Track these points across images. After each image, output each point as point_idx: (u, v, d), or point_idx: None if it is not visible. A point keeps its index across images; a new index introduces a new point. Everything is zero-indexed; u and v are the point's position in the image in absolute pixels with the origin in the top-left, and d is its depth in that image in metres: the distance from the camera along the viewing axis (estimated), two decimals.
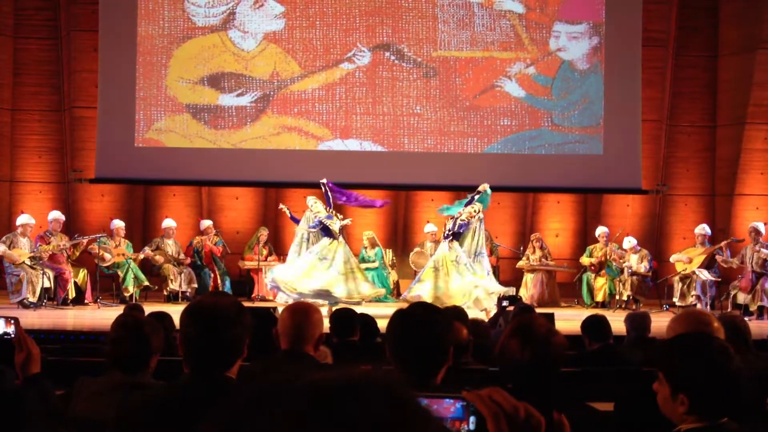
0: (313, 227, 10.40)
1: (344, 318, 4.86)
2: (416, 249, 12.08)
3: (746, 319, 5.53)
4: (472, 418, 1.30)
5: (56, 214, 11.14)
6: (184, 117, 11.99)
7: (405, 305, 2.52)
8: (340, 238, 10.22)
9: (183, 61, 11.98)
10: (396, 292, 12.24)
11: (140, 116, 11.94)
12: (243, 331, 2.17)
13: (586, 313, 6.89)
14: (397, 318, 2.41)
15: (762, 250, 10.67)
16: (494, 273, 10.79)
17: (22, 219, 10.84)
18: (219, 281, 11.67)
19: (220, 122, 11.98)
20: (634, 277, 11.22)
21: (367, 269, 11.83)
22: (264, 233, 11.99)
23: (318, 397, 0.83)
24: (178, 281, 11.29)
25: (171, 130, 11.96)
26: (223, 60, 12.01)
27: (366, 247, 12.03)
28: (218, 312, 2.17)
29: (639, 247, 11.55)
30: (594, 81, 12.06)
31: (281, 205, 11.24)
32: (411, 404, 0.86)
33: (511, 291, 9.88)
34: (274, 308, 7.99)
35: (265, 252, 11.82)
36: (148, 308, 5.81)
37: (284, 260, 11.25)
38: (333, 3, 11.97)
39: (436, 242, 12.08)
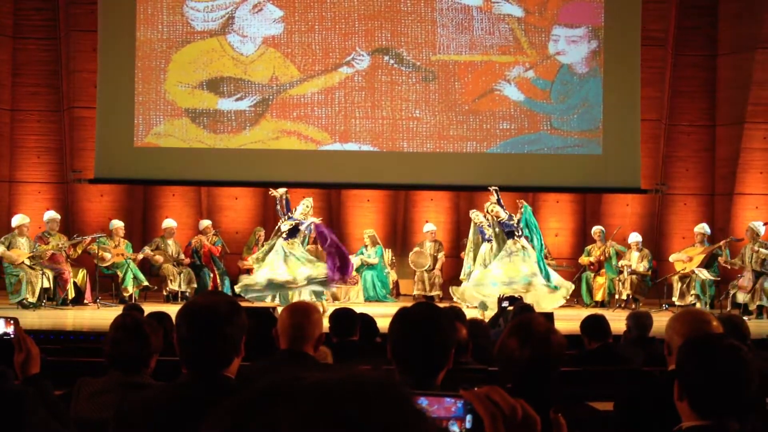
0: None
1: (344, 318, 4.86)
2: (416, 249, 12.08)
3: (745, 318, 5.54)
4: (468, 417, 1.30)
5: (52, 214, 11.13)
6: (183, 121, 11.97)
7: (408, 304, 2.52)
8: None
9: (182, 65, 11.95)
10: (395, 291, 12.24)
11: (139, 120, 11.93)
12: (238, 330, 2.16)
13: (586, 312, 6.90)
14: (398, 317, 2.40)
15: (761, 249, 10.67)
16: None
17: (16, 220, 10.84)
18: (218, 281, 11.67)
19: (219, 126, 11.97)
20: (634, 276, 11.23)
21: (375, 267, 11.86)
22: (261, 233, 11.99)
23: (316, 397, 0.83)
24: (177, 281, 11.29)
25: (170, 134, 11.95)
26: (222, 64, 11.99)
27: (366, 246, 12.03)
28: (211, 311, 2.17)
29: (642, 246, 11.57)
30: (593, 85, 12.04)
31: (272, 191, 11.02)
32: (409, 404, 0.86)
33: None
34: (274, 308, 8.01)
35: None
36: (148, 308, 5.81)
37: None
38: (332, 7, 11.95)
39: (436, 241, 12.10)
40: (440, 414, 1.36)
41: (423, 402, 1.37)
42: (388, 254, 12.27)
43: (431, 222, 12.37)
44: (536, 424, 1.26)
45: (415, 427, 0.85)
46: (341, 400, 0.82)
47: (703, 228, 11.52)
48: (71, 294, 10.72)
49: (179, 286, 11.27)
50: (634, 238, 11.59)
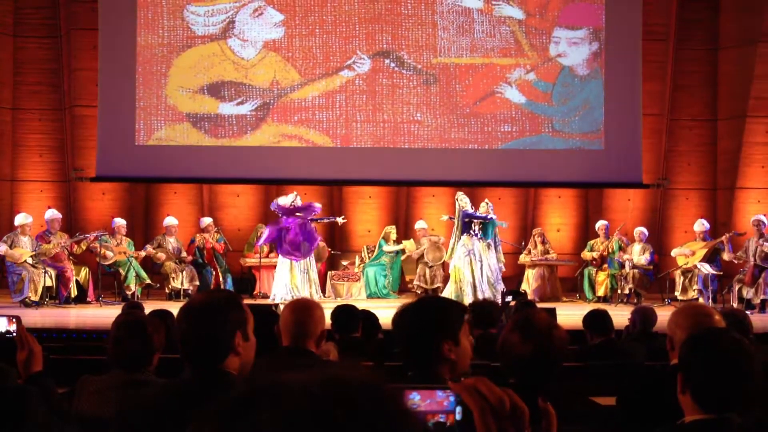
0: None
1: (346, 314, 4.86)
2: (431, 242, 11.99)
3: (749, 312, 5.53)
4: (458, 409, 1.30)
5: (53, 213, 11.13)
6: (185, 126, 11.96)
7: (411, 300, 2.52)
8: None
9: (183, 70, 11.93)
10: (400, 286, 12.26)
11: (140, 125, 11.91)
12: (231, 324, 2.16)
13: (588, 307, 6.90)
14: (398, 312, 2.42)
15: (765, 243, 10.65)
16: None
17: (19, 219, 10.84)
18: (221, 279, 11.68)
19: (220, 131, 11.95)
20: (636, 271, 11.24)
21: (380, 263, 11.88)
22: (262, 230, 11.98)
23: (301, 399, 0.82)
24: (179, 279, 11.30)
25: (171, 139, 11.93)
26: (223, 69, 11.97)
27: (387, 240, 12.05)
28: (206, 305, 2.19)
29: (645, 237, 11.56)
30: (594, 87, 12.01)
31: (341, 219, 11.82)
32: (394, 403, 0.86)
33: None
34: (276, 305, 8.01)
35: (266, 249, 11.83)
36: (151, 306, 5.82)
37: None
38: (332, 11, 11.92)
39: (431, 236, 12.14)
40: (432, 408, 1.36)
41: (415, 396, 1.37)
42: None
43: (423, 220, 12.39)
44: (524, 414, 1.25)
45: (402, 427, 0.84)
46: (326, 401, 0.82)
47: (702, 224, 11.51)
48: (74, 292, 10.74)
49: (181, 283, 11.28)
50: (639, 229, 11.64)
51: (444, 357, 2.27)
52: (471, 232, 10.77)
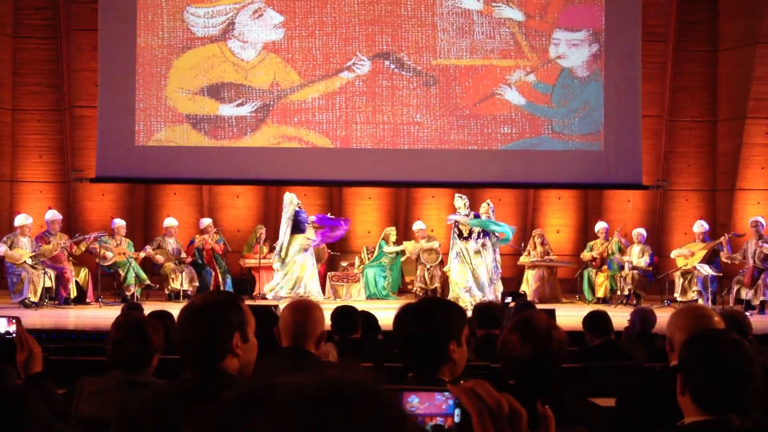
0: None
1: (345, 315, 4.86)
2: (427, 245, 12.01)
3: (748, 314, 5.53)
4: (457, 411, 1.30)
5: (54, 214, 11.12)
6: (184, 127, 11.96)
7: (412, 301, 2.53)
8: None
9: (182, 71, 11.93)
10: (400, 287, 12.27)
11: (140, 126, 11.91)
12: (230, 325, 2.16)
13: (588, 308, 6.90)
14: (399, 313, 2.43)
15: (764, 244, 10.65)
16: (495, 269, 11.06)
17: (19, 219, 10.85)
18: (220, 279, 11.68)
19: (220, 132, 11.95)
20: (635, 272, 11.24)
21: (379, 264, 11.88)
22: (262, 231, 12.00)
23: (297, 402, 0.82)
24: (179, 280, 11.30)
25: (171, 140, 11.93)
26: (223, 70, 11.97)
27: (386, 241, 12.05)
28: (205, 306, 2.19)
29: (644, 239, 11.57)
30: (594, 88, 12.01)
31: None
32: (390, 406, 0.86)
33: None
34: (275, 306, 8.01)
35: (265, 250, 11.83)
36: (150, 307, 5.81)
37: None
38: (332, 12, 11.93)
39: (428, 237, 12.15)
40: (431, 411, 1.35)
41: (414, 399, 1.37)
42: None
43: (422, 221, 12.40)
44: (522, 417, 1.25)
45: (398, 429, 0.84)
46: (322, 405, 0.82)
47: (702, 225, 11.53)
48: (73, 293, 10.74)
49: (181, 284, 11.28)
50: (637, 231, 11.66)
51: (448, 356, 2.29)
52: (455, 234, 10.82)
